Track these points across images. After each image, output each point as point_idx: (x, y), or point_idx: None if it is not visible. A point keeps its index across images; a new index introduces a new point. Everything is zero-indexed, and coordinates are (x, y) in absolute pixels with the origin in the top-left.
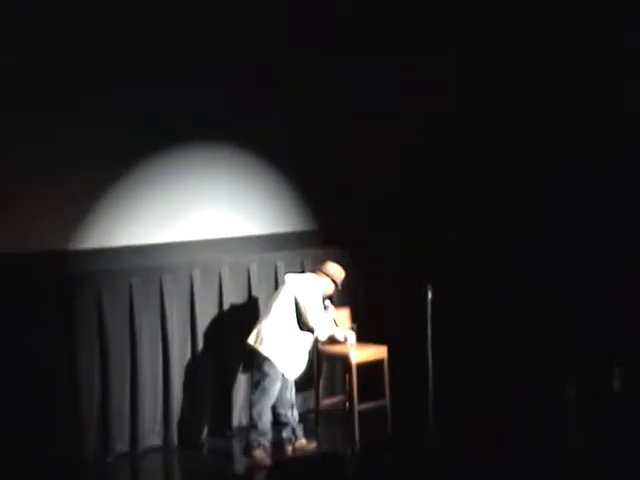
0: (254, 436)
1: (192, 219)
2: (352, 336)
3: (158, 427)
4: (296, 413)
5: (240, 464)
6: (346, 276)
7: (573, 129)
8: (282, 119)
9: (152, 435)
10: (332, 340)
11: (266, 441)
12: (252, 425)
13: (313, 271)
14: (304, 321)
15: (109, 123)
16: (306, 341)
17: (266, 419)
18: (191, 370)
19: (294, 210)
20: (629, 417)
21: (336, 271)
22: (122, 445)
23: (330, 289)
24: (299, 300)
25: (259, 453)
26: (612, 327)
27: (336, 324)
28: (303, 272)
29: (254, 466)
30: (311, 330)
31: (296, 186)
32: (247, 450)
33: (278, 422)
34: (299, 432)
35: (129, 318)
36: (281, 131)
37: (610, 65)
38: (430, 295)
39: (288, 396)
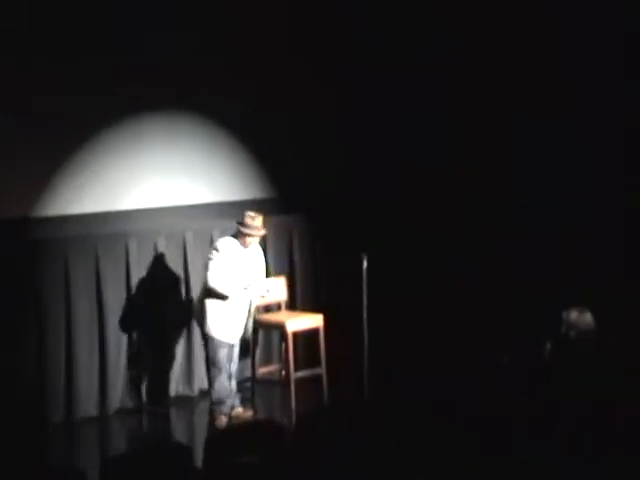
0: (212, 405)
1: (152, 186)
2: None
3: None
4: (234, 383)
5: (180, 431)
6: (283, 244)
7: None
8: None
9: (89, 404)
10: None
11: (223, 408)
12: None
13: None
14: (205, 281)
15: (69, 91)
16: (236, 303)
17: (219, 386)
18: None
19: (249, 178)
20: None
21: (245, 219)
22: (57, 416)
23: (248, 241)
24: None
25: (218, 422)
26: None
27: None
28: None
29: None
30: (210, 289)
31: (248, 155)
32: (210, 420)
33: None
34: (236, 401)
35: (95, 285)
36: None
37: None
38: (365, 264)
39: (227, 366)
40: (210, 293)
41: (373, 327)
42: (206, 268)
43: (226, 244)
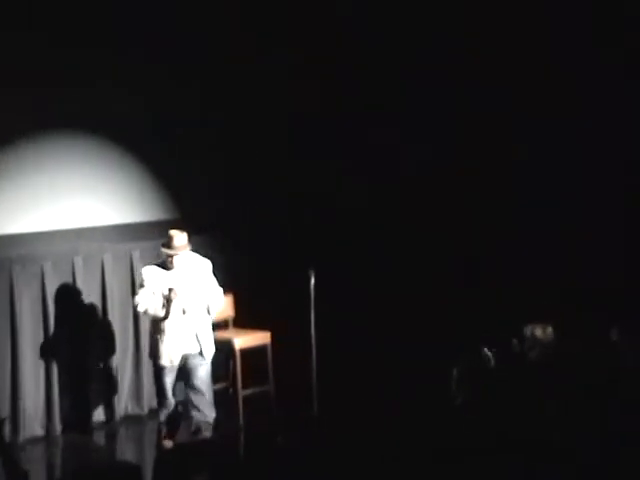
0: (160, 425)
1: (51, 208)
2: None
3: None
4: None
5: (129, 451)
6: (227, 261)
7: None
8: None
9: (35, 424)
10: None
11: (167, 429)
12: None
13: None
14: None
15: None
16: (169, 325)
17: (162, 410)
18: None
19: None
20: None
21: (165, 240)
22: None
23: (166, 260)
24: None
25: (166, 442)
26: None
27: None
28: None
29: None
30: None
31: (159, 175)
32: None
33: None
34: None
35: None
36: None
37: None
38: (313, 280)
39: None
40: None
41: (321, 343)
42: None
43: (148, 270)
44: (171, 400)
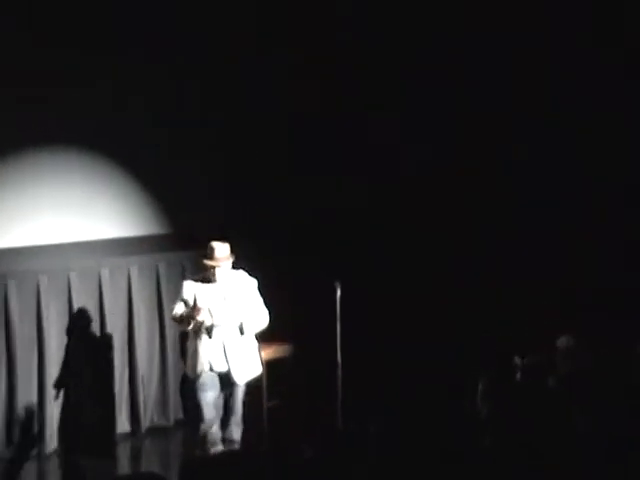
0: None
1: (38, 223)
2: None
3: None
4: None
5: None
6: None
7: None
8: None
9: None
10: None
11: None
12: None
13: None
14: None
15: None
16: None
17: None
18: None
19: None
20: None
21: (208, 251)
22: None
23: (207, 273)
24: None
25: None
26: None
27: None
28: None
29: None
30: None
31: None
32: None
33: None
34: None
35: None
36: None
37: None
38: (339, 292)
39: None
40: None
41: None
42: None
43: (187, 285)
44: (207, 419)
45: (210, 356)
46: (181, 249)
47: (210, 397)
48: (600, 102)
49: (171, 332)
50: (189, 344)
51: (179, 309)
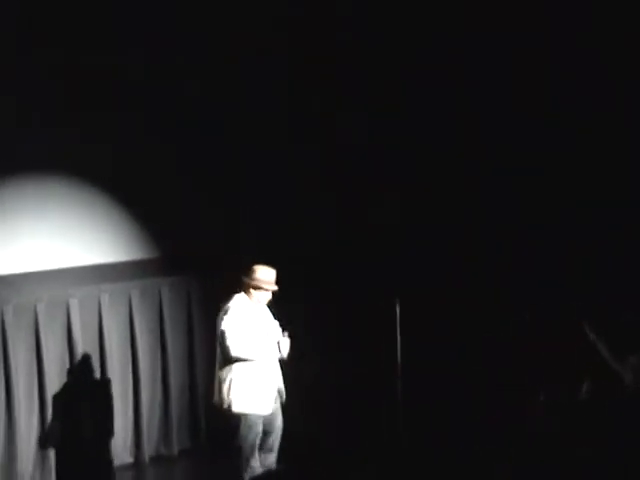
0: None
1: (36, 248)
2: (285, 343)
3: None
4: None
5: None
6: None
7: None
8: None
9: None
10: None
11: None
12: None
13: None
14: (223, 352)
15: None
16: (265, 368)
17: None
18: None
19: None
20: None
21: (260, 274)
22: None
23: (262, 297)
24: (217, 332)
25: None
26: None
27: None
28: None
29: None
30: (232, 359)
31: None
32: None
33: None
34: None
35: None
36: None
37: None
38: (399, 309)
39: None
40: (232, 364)
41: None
42: (221, 337)
43: (239, 304)
44: (255, 457)
45: (274, 387)
46: (185, 272)
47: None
48: (600, 102)
49: (174, 359)
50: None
51: (243, 339)
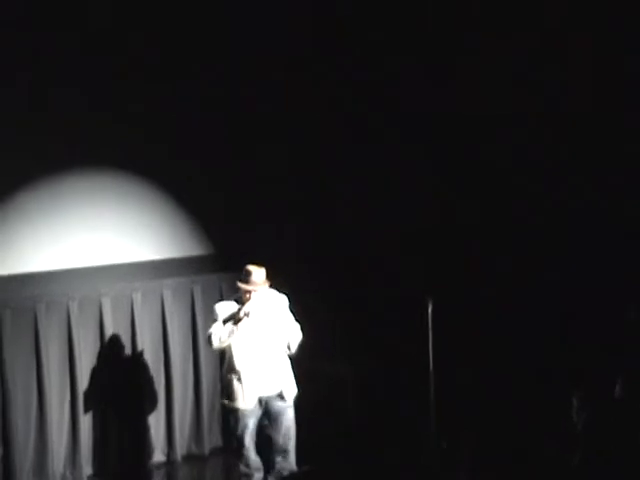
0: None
1: (69, 246)
2: (294, 339)
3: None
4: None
5: None
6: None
7: None
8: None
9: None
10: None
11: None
12: None
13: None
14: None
15: None
16: (245, 364)
17: (245, 460)
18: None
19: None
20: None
21: (243, 274)
22: None
23: (243, 295)
24: None
25: None
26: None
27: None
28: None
29: None
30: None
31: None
32: None
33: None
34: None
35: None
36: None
37: None
38: (431, 309)
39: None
40: (225, 360)
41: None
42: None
43: (221, 305)
44: (248, 448)
45: (260, 381)
46: (219, 271)
47: (253, 424)
48: (601, 102)
49: (205, 358)
50: (229, 371)
51: (216, 328)
